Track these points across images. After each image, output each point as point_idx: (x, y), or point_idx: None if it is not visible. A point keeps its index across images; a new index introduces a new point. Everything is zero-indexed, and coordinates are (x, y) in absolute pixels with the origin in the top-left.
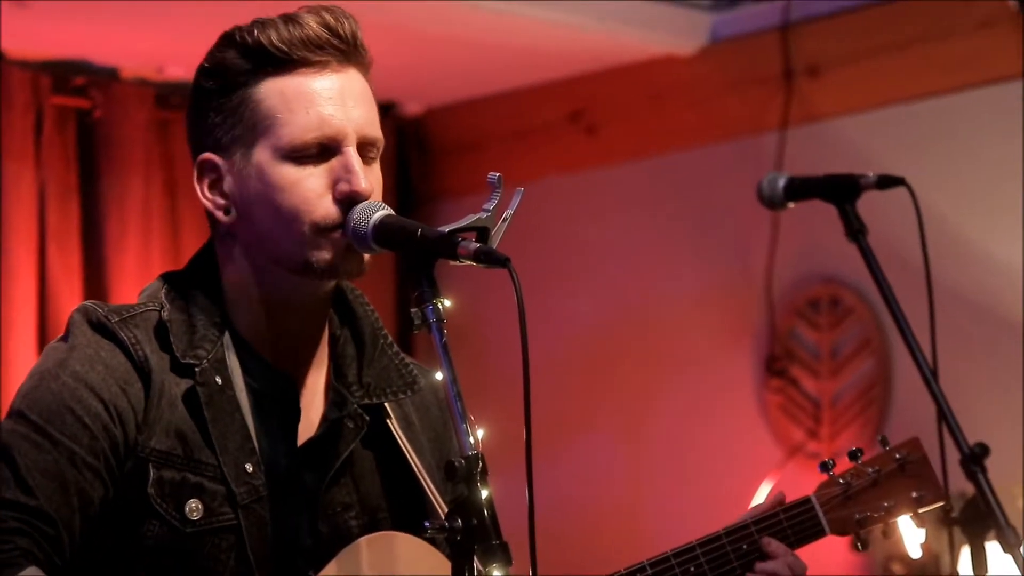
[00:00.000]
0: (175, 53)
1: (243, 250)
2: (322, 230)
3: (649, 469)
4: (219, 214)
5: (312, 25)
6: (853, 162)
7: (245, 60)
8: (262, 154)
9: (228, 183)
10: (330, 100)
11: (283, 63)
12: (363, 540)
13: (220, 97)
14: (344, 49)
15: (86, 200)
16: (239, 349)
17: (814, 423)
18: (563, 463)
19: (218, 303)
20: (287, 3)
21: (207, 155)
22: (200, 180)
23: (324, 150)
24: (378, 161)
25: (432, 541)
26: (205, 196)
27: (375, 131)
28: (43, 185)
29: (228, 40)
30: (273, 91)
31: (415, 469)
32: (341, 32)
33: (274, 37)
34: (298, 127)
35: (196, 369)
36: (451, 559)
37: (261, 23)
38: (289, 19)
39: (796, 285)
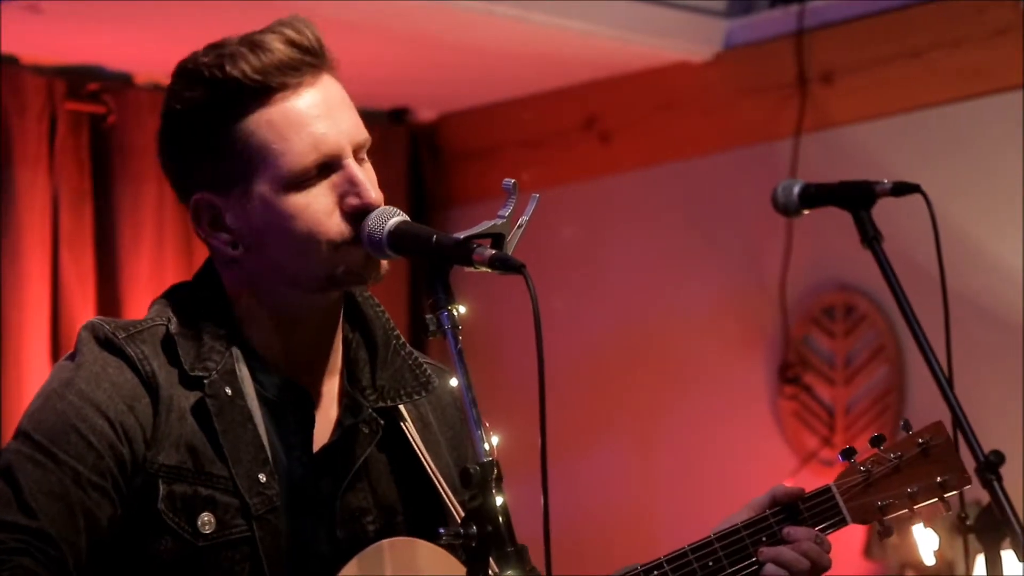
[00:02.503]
0: None
1: (250, 274)
2: (338, 246)
3: (663, 476)
4: (227, 250)
5: (280, 48)
6: (867, 169)
7: (220, 98)
8: (263, 187)
9: (230, 218)
10: (318, 117)
11: (261, 93)
12: (385, 543)
13: (203, 138)
14: (315, 63)
15: (99, 206)
16: (249, 360)
17: (828, 430)
18: (577, 470)
19: (226, 315)
20: (292, 6)
21: (201, 195)
22: (199, 221)
23: (324, 168)
24: (367, 158)
25: (448, 547)
26: (208, 235)
27: (362, 132)
28: (56, 191)
29: (193, 78)
30: (260, 123)
31: (430, 472)
32: (308, 45)
33: (247, 69)
34: (295, 154)
35: (205, 381)
36: (466, 565)
37: (227, 55)
38: (254, 46)
39: (810, 292)
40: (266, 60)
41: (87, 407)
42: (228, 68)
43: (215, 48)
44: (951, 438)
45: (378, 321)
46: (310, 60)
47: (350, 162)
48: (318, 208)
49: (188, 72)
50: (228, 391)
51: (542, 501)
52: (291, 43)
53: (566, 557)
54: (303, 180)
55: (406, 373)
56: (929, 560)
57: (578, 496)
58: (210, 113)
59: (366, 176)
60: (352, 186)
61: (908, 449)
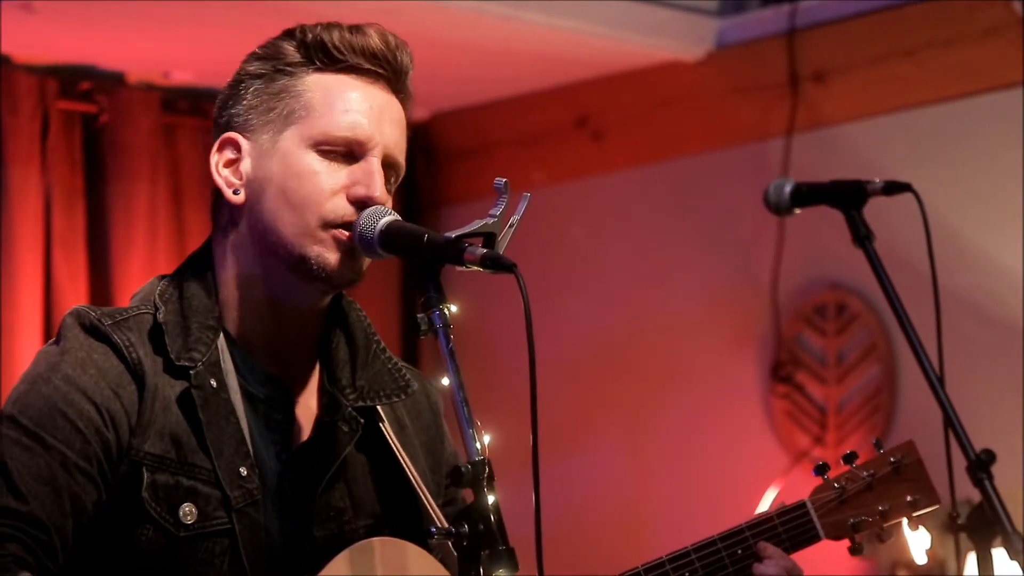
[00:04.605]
0: (181, 58)
1: (244, 240)
2: (327, 225)
3: (655, 475)
4: (228, 192)
5: (374, 37)
6: (859, 168)
7: (300, 52)
8: (290, 139)
9: (246, 164)
10: (369, 110)
11: (336, 62)
12: (375, 540)
13: (264, 81)
14: (395, 72)
15: (92, 205)
16: (233, 352)
17: (820, 429)
18: (569, 469)
19: (213, 305)
20: (295, 10)
21: (232, 134)
22: (219, 152)
23: (350, 153)
24: (393, 193)
25: (430, 548)
26: (219, 172)
27: (401, 157)
28: (49, 190)
29: (290, 33)
30: (318, 85)
31: (408, 472)
32: (398, 56)
33: (336, 37)
34: (332, 122)
35: (191, 372)
36: (458, 564)
37: (327, 24)
38: (355, 27)
39: (802, 291)
40: (356, 39)
41: (74, 391)
42: (320, 31)
43: (323, 22)
44: (921, 458)
45: (359, 324)
46: (393, 64)
47: (375, 159)
48: (326, 181)
49: (289, 30)
50: (213, 383)
51: (534, 500)
52: (385, 42)
53: (557, 556)
54: (328, 148)
55: (385, 375)
56: (921, 559)
57: (569, 495)
58: (280, 60)
59: (384, 189)
60: (365, 177)
61: (880, 467)
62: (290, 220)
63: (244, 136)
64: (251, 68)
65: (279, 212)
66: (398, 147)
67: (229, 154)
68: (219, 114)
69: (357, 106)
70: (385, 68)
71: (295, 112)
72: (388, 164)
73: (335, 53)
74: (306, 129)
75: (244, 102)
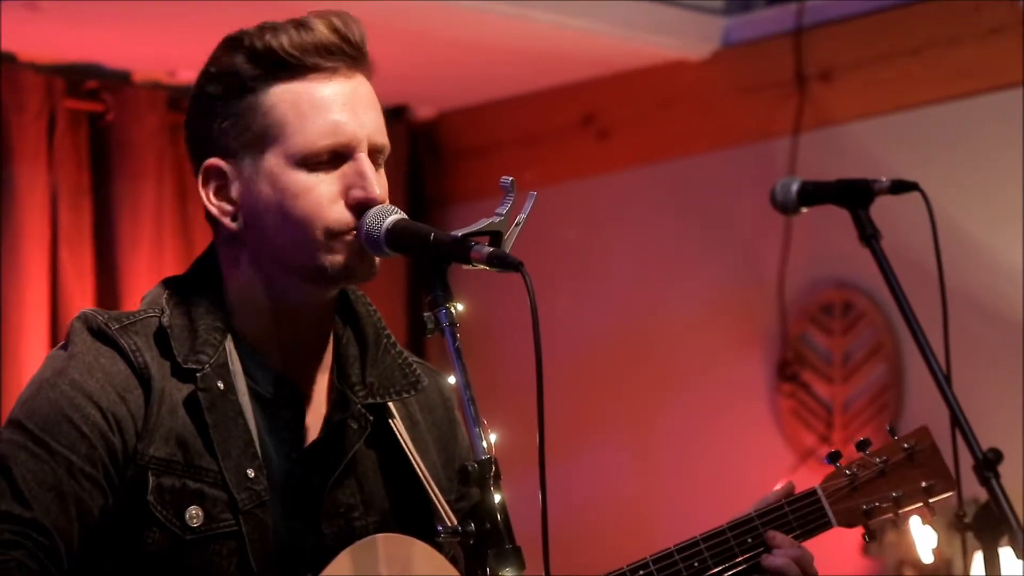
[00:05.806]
0: (187, 56)
1: (249, 256)
2: (334, 235)
3: (661, 474)
4: (226, 220)
5: (323, 30)
6: (865, 167)
7: (254, 65)
8: (273, 160)
9: (236, 189)
10: (343, 107)
11: (294, 68)
12: (380, 537)
13: (227, 103)
14: (354, 55)
15: (98, 203)
16: (241, 353)
17: (826, 428)
18: (575, 468)
19: (220, 308)
20: (297, 6)
21: (213, 160)
22: (205, 186)
23: (336, 156)
24: (384, 167)
25: (439, 546)
26: (211, 202)
27: (384, 138)
28: (55, 188)
29: (235, 44)
30: (284, 97)
31: (418, 469)
32: (351, 38)
33: (285, 42)
34: (311, 134)
35: (197, 374)
36: (465, 562)
37: (271, 28)
38: (299, 24)
39: (808, 290)
40: (306, 38)
41: (80, 396)
42: (268, 38)
43: (263, 24)
44: (936, 443)
45: (369, 319)
46: (349, 51)
47: (363, 156)
48: (322, 193)
49: (231, 39)
50: (220, 385)
51: (540, 499)
52: (335, 30)
53: (563, 555)
54: (313, 161)
55: (395, 372)
56: (927, 558)
57: (576, 494)
58: (238, 79)
59: (378, 180)
60: (359, 179)
61: (894, 454)
62: (296, 238)
63: (224, 160)
64: (210, 90)
65: (283, 232)
66: (378, 129)
67: (216, 181)
68: (191, 141)
69: (330, 108)
70: (343, 56)
71: (270, 130)
72: (374, 149)
73: (290, 60)
74: (286, 147)
75: (213, 127)
